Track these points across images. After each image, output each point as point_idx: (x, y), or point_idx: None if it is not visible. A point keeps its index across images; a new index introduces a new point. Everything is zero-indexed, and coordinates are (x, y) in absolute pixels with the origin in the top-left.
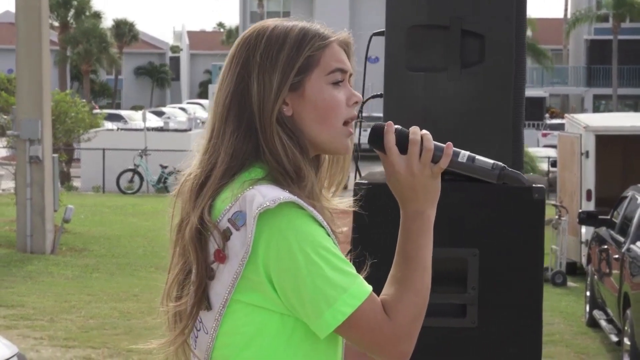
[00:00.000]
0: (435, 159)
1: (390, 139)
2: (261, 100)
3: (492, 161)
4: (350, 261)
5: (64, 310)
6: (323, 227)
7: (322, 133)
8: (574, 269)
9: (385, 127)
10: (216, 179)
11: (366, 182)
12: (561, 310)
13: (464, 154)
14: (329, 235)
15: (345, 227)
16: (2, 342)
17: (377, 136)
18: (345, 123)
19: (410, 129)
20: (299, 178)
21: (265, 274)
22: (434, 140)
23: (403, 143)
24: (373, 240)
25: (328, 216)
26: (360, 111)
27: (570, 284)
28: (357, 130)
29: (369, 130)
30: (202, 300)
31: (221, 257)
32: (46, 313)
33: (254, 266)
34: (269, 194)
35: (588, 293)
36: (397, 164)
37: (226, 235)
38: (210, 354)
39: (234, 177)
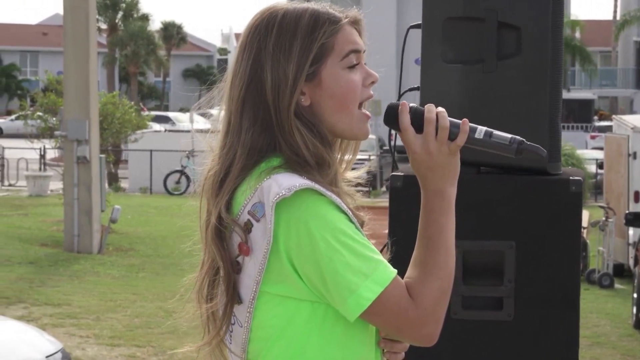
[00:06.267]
0: (452, 137)
1: (405, 119)
2: (276, 94)
3: (509, 135)
4: (390, 253)
5: (109, 309)
6: (344, 211)
7: (341, 121)
8: (621, 271)
9: (400, 107)
10: (234, 175)
11: (402, 174)
12: (608, 312)
13: (481, 130)
14: (351, 221)
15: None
16: (47, 338)
17: (392, 116)
18: (360, 105)
19: (425, 106)
20: (321, 167)
21: (288, 262)
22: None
23: (419, 122)
24: (407, 225)
25: (350, 202)
26: None
27: (617, 286)
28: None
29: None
30: (234, 297)
31: (245, 249)
32: (92, 312)
33: (277, 256)
34: (285, 183)
35: (635, 295)
36: (414, 144)
37: (248, 228)
38: (247, 348)
39: (252, 170)
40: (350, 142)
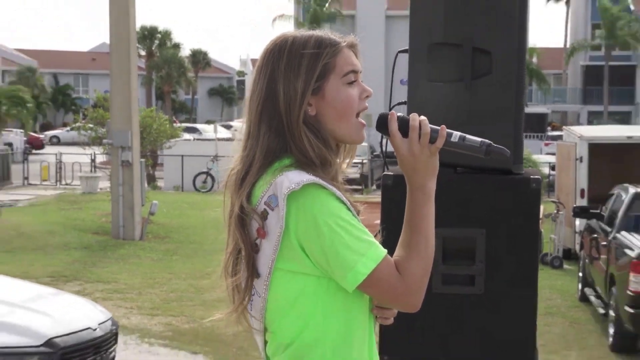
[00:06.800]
0: (432, 140)
1: (394, 126)
2: (288, 106)
3: (480, 139)
4: (382, 236)
5: (149, 286)
6: (343, 202)
7: (341, 128)
8: (569, 255)
9: (389, 116)
10: (253, 173)
11: (392, 174)
12: (558, 288)
13: (456, 135)
14: (349, 210)
15: (377, 220)
16: (99, 309)
17: (383, 123)
18: (357, 115)
19: (410, 116)
20: (324, 166)
21: (297, 243)
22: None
23: (404, 128)
24: (396, 215)
25: (347, 195)
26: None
27: (566, 266)
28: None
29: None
30: (253, 274)
31: (262, 233)
32: (135, 288)
33: (288, 238)
34: (294, 178)
35: (580, 274)
36: (400, 147)
37: (264, 215)
38: (264, 315)
39: (266, 169)
40: (349, 146)
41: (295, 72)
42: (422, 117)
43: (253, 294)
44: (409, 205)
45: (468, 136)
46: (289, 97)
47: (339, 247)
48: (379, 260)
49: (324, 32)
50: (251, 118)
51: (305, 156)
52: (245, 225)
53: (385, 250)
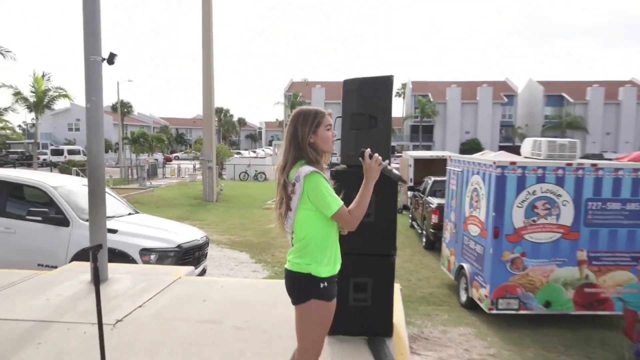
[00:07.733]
0: (379, 164)
1: (366, 156)
2: (302, 138)
3: (396, 171)
4: (340, 196)
5: (220, 222)
6: (326, 179)
7: (324, 148)
8: (406, 207)
9: (365, 152)
10: (289, 166)
11: (334, 170)
12: (401, 222)
13: (389, 166)
14: (328, 183)
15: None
16: (200, 231)
17: (361, 154)
18: (333, 142)
19: (374, 154)
20: (318, 163)
21: (307, 196)
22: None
23: (370, 157)
24: (341, 188)
25: (327, 177)
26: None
27: (404, 212)
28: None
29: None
30: (288, 208)
31: (293, 192)
32: (214, 223)
33: (304, 194)
34: (307, 169)
35: (410, 215)
36: (368, 165)
37: (294, 185)
38: (292, 226)
39: (294, 164)
40: (327, 154)
41: (305, 124)
42: (377, 155)
43: (288, 218)
44: (362, 188)
45: (393, 169)
46: (303, 135)
47: (325, 198)
48: (340, 205)
49: (317, 108)
50: (286, 143)
51: (310, 159)
52: (286, 188)
53: (342, 202)
